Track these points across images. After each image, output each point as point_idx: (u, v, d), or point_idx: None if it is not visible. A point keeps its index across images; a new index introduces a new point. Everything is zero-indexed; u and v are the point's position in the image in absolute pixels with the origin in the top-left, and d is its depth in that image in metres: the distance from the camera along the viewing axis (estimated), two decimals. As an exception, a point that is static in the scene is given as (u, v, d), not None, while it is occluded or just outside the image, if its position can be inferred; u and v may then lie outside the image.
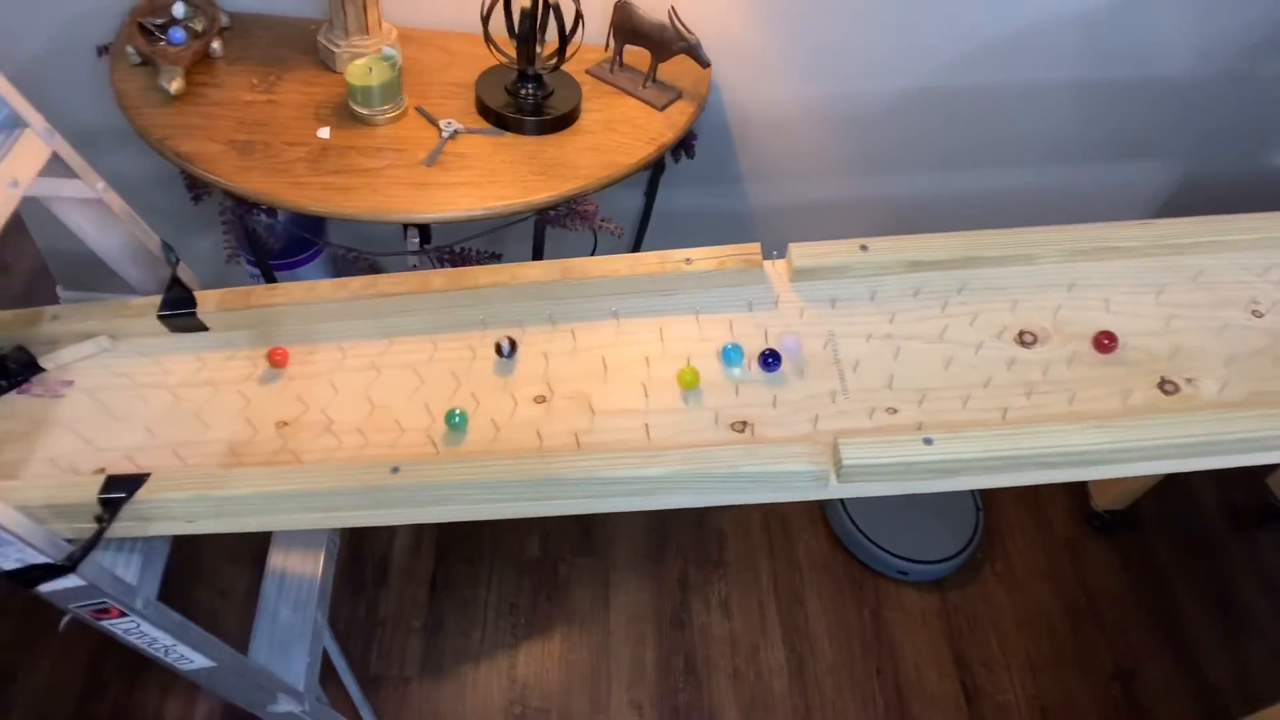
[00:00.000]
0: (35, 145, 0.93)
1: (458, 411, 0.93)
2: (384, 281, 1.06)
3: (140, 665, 1.46)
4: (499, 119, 1.21)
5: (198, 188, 1.20)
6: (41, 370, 1.10)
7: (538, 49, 1.18)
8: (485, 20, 1.14)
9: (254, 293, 1.06)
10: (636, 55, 1.28)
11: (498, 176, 1.14)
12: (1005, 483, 0.84)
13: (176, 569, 1.54)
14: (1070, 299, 0.98)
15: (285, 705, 1.13)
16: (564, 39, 1.15)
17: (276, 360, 0.99)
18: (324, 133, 1.16)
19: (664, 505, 0.86)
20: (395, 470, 0.87)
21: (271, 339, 1.06)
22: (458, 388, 0.99)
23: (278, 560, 1.28)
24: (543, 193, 1.13)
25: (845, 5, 1.32)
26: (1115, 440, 0.81)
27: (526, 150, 1.18)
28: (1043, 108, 1.44)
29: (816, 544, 1.66)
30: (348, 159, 1.13)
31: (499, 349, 0.96)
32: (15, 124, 0.91)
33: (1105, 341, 0.92)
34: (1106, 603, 1.65)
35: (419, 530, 1.63)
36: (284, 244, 1.46)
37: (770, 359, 0.93)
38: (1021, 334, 0.98)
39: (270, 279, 1.53)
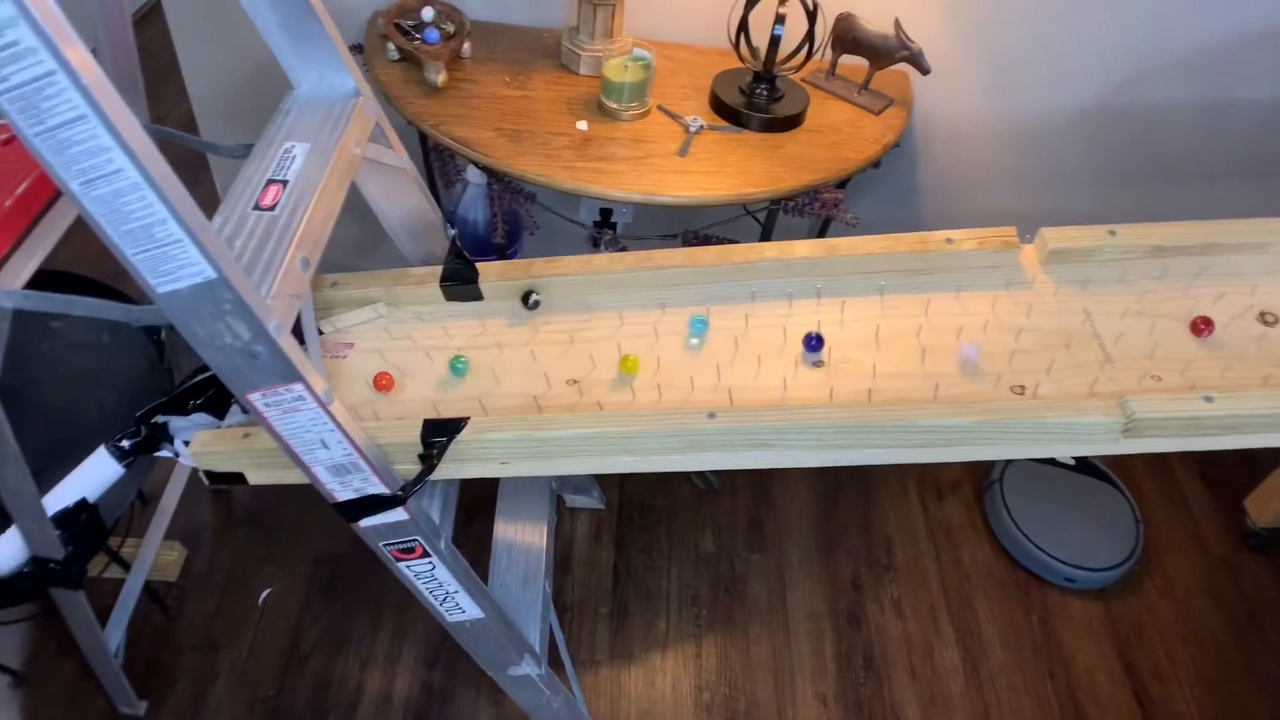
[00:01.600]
0: (366, 113, 1.04)
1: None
2: (657, 256, 1.16)
3: (340, 640, 1.53)
4: (734, 117, 1.32)
5: (451, 173, 1.31)
6: (319, 333, 1.20)
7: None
8: (742, 27, 1.26)
9: (534, 264, 1.17)
10: (848, 65, 1.40)
11: (742, 167, 1.25)
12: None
13: (376, 555, 1.62)
14: (1303, 283, 1.07)
15: (526, 668, 1.20)
16: (811, 44, 1.27)
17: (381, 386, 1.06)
18: (583, 125, 1.27)
19: (961, 457, 0.94)
20: (711, 416, 0.95)
21: (550, 308, 1.16)
22: (735, 354, 1.08)
23: (503, 532, 1.35)
24: (789, 182, 1.24)
25: (1036, 21, 1.43)
26: None
27: (763, 145, 1.29)
28: (1226, 125, 1.55)
29: (981, 551, 1.73)
30: (607, 149, 1.25)
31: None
32: (355, 93, 1.02)
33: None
34: (1270, 619, 1.70)
35: (598, 523, 1.70)
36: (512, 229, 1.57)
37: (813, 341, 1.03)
38: (1263, 314, 1.06)
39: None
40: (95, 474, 1.12)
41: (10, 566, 1.12)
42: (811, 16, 1.26)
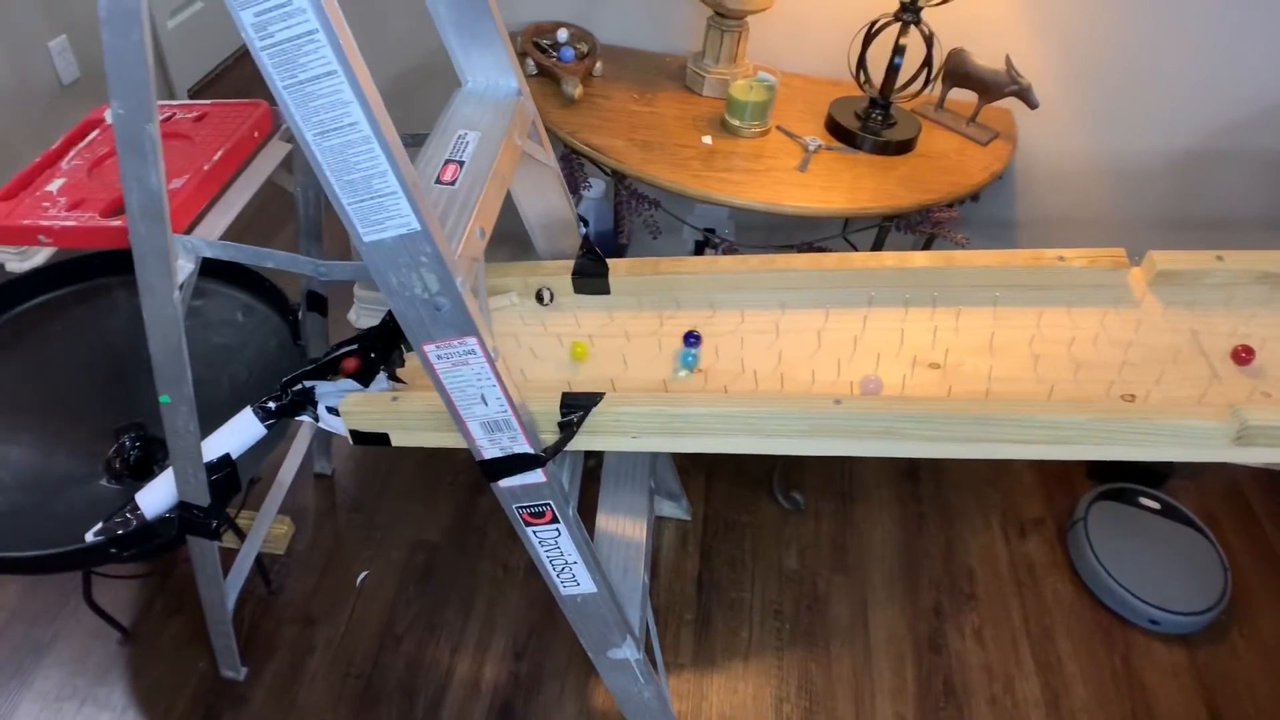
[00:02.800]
0: (526, 111, 1.15)
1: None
2: (779, 260, 1.24)
3: (432, 625, 1.60)
4: (849, 139, 1.41)
5: (578, 180, 1.42)
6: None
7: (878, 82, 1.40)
8: (861, 57, 1.37)
9: (661, 263, 1.26)
10: (955, 99, 1.49)
11: (858, 184, 1.34)
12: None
13: (469, 543, 1.71)
14: None
15: (627, 652, 1.26)
16: (929, 72, 1.36)
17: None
18: (708, 140, 1.38)
19: (1075, 455, 1.00)
20: (837, 402, 1.03)
21: (675, 303, 1.25)
22: (854, 352, 1.16)
23: (604, 525, 1.43)
24: (903, 200, 1.32)
25: (1143, 63, 1.52)
26: None
27: (877, 166, 1.38)
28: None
29: (1063, 587, 1.76)
30: (731, 161, 1.35)
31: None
32: (517, 93, 1.13)
33: None
34: (1361, 679, 1.69)
35: (684, 532, 1.77)
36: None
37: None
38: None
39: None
40: (240, 432, 1.22)
41: (159, 510, 1.21)
42: (929, 50, 1.36)
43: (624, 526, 1.44)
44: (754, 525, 1.80)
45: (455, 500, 1.80)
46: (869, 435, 1.04)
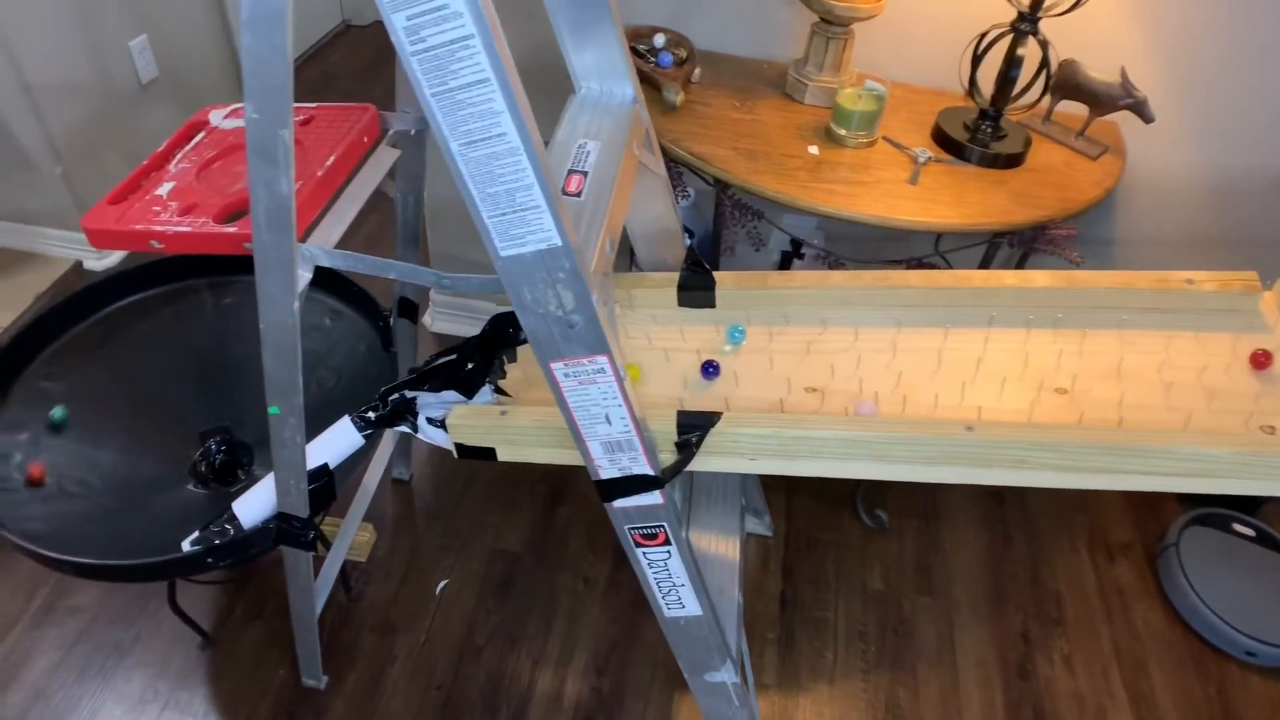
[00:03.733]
0: (641, 119, 1.10)
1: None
2: (894, 276, 1.19)
3: (512, 637, 1.56)
4: (957, 151, 1.35)
5: (676, 190, 1.37)
6: (559, 327, 1.25)
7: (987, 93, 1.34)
8: (974, 68, 1.31)
9: (770, 277, 1.21)
10: (1062, 111, 1.42)
11: (970, 199, 1.28)
12: None
13: (548, 554, 1.67)
14: None
15: (725, 675, 1.21)
16: (1048, 81, 1.30)
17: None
18: (814, 150, 1.33)
19: (1212, 489, 0.94)
20: (969, 429, 0.97)
21: (784, 319, 1.19)
22: (976, 374, 1.10)
23: (697, 542, 1.38)
24: (1018, 217, 1.26)
25: (1259, 78, 1.43)
26: None
27: (987, 180, 1.32)
28: None
29: (1153, 614, 1.68)
30: (839, 172, 1.29)
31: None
32: (633, 100, 1.08)
33: None
34: None
35: (765, 549, 1.71)
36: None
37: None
38: None
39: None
40: (338, 441, 1.19)
41: (257, 519, 1.18)
42: (1046, 61, 1.30)
43: (717, 545, 1.39)
44: (837, 543, 1.74)
45: (534, 510, 1.76)
46: (1000, 464, 0.98)
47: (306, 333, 1.53)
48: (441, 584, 1.63)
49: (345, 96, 3.10)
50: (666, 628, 1.17)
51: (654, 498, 1.00)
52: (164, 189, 1.04)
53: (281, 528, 1.17)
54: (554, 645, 1.56)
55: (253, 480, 1.36)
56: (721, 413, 1.02)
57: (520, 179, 0.76)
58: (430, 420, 1.17)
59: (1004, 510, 1.82)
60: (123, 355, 1.49)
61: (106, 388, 1.45)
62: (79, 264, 2.24)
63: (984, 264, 1.42)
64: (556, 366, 0.88)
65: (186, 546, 1.17)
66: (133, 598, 1.62)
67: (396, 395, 1.17)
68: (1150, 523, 1.83)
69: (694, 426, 1.01)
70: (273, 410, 1.02)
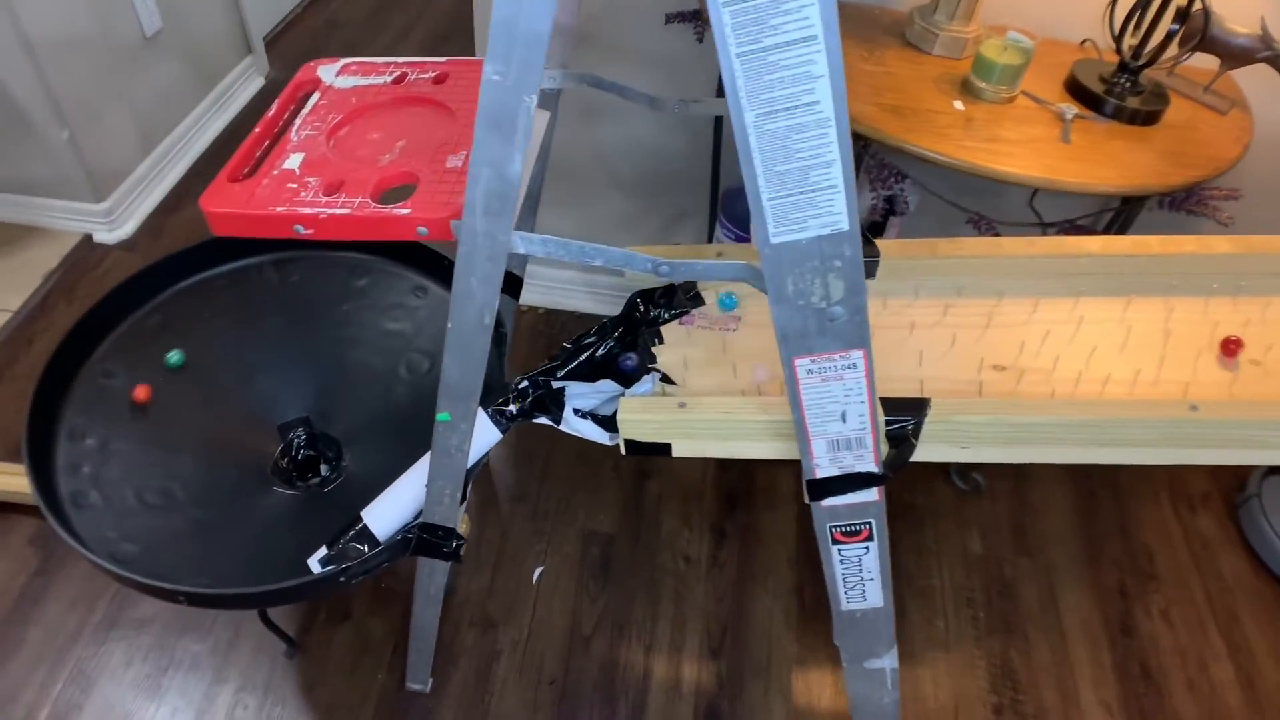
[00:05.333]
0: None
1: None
2: (1069, 243, 1.08)
3: (620, 623, 1.45)
4: (1095, 106, 1.24)
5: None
6: (703, 303, 1.12)
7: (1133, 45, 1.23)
8: (1126, 17, 1.19)
9: (939, 244, 1.09)
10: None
11: (1122, 158, 1.17)
12: None
13: (643, 534, 1.55)
14: None
15: (886, 661, 1.12)
16: (1206, 30, 1.19)
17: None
18: (959, 105, 1.20)
19: None
20: (1193, 408, 0.88)
21: (956, 290, 1.08)
22: (1166, 346, 1.01)
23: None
24: (1175, 178, 1.16)
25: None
26: None
27: (1132, 138, 1.21)
28: None
29: (1240, 565, 1.65)
30: (990, 130, 1.17)
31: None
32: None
33: None
34: None
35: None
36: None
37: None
38: None
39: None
40: (475, 440, 1.04)
41: (391, 530, 1.04)
42: (1185, 11, 1.19)
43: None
44: (931, 508, 1.65)
45: (620, 487, 1.64)
46: (1227, 444, 0.90)
47: (386, 311, 1.37)
48: (538, 571, 1.51)
49: (349, 45, 2.84)
50: (839, 619, 1.07)
51: (870, 495, 0.89)
52: (293, 162, 0.86)
53: (422, 538, 1.03)
54: (664, 629, 1.45)
55: (342, 476, 1.21)
56: (929, 399, 0.91)
57: (821, 155, 0.62)
58: (578, 411, 1.04)
59: (1087, 465, 1.76)
60: (185, 344, 1.31)
61: (171, 381, 1.28)
62: (88, 237, 2.00)
63: (1122, 229, 1.32)
64: (802, 361, 0.76)
65: (316, 566, 1.02)
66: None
67: (535, 385, 1.03)
68: (1224, 473, 1.79)
69: (901, 414, 0.89)
70: (442, 417, 0.87)
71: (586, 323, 1.86)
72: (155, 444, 1.23)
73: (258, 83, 2.53)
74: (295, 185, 0.83)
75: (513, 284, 1.32)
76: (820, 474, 0.86)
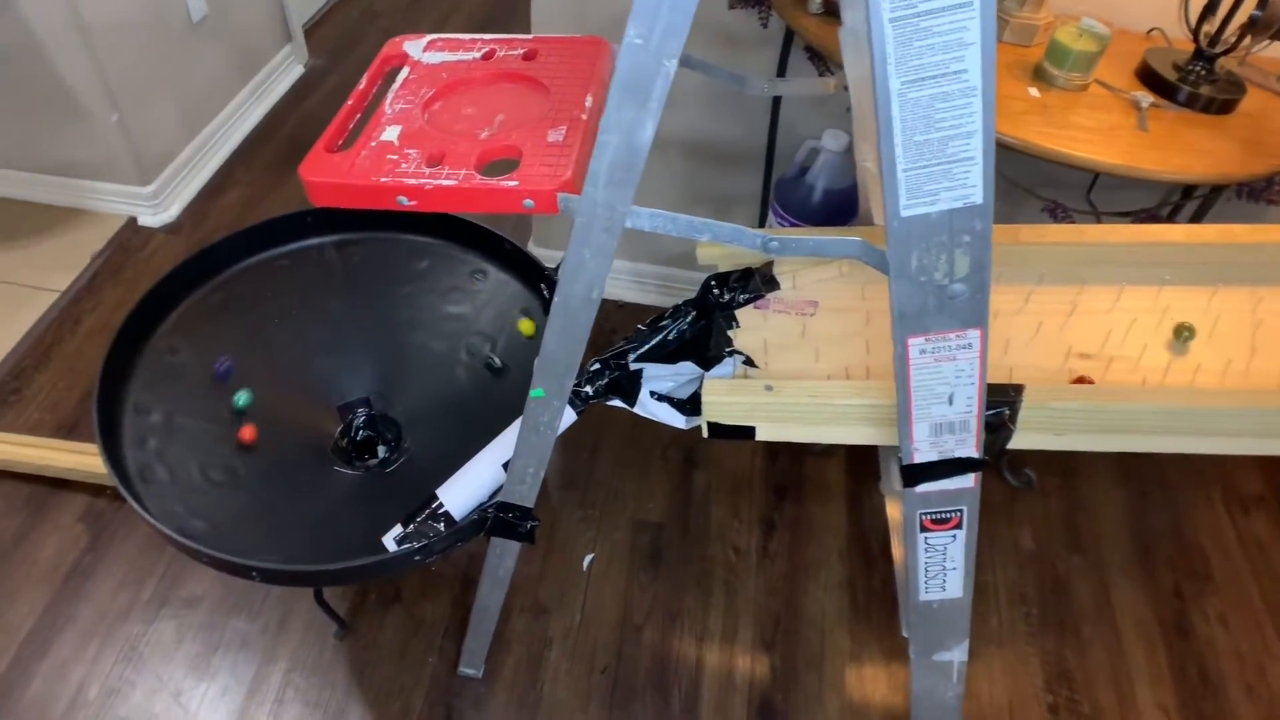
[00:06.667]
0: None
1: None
2: (1150, 231, 1.07)
3: (672, 613, 1.44)
4: (1168, 94, 1.23)
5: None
6: (777, 287, 1.11)
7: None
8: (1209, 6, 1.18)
9: (1022, 231, 1.08)
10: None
11: (1202, 147, 1.16)
12: None
13: (693, 524, 1.54)
14: None
15: (956, 654, 1.11)
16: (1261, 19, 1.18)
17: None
18: (1034, 91, 1.19)
19: None
20: (1304, 398, 0.86)
21: (1037, 277, 1.07)
22: (1254, 335, 1.00)
23: (894, 512, 1.26)
24: (1256, 167, 1.14)
25: None
26: None
27: (1209, 127, 1.20)
28: None
29: (1293, 567, 1.63)
30: (1065, 117, 1.16)
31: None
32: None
33: None
34: None
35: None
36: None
37: None
38: None
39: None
40: (550, 420, 1.03)
41: (467, 509, 1.03)
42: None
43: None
44: (984, 503, 1.63)
45: (669, 476, 1.62)
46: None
47: (446, 294, 1.36)
48: (588, 558, 1.50)
49: (388, 33, 2.78)
50: (915, 609, 1.05)
51: (966, 481, 0.88)
52: (390, 134, 0.85)
53: (499, 518, 1.02)
54: (715, 620, 1.44)
55: (403, 458, 1.20)
56: (1022, 385, 0.90)
57: (963, 125, 0.61)
58: (654, 394, 1.03)
59: (1138, 464, 1.74)
60: (247, 323, 1.30)
61: (233, 359, 1.27)
62: (133, 220, 1.99)
63: (1196, 217, 1.31)
64: (915, 341, 0.74)
65: (392, 545, 1.01)
66: (250, 586, 1.45)
67: (608, 366, 1.02)
68: (1276, 474, 1.77)
69: (1000, 399, 0.88)
70: (536, 393, 0.86)
71: (631, 312, 1.86)
72: (218, 421, 1.22)
73: (297, 71, 2.52)
74: (396, 157, 0.82)
75: (578, 267, 1.30)
76: (919, 458, 0.85)
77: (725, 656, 1.39)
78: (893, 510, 1.26)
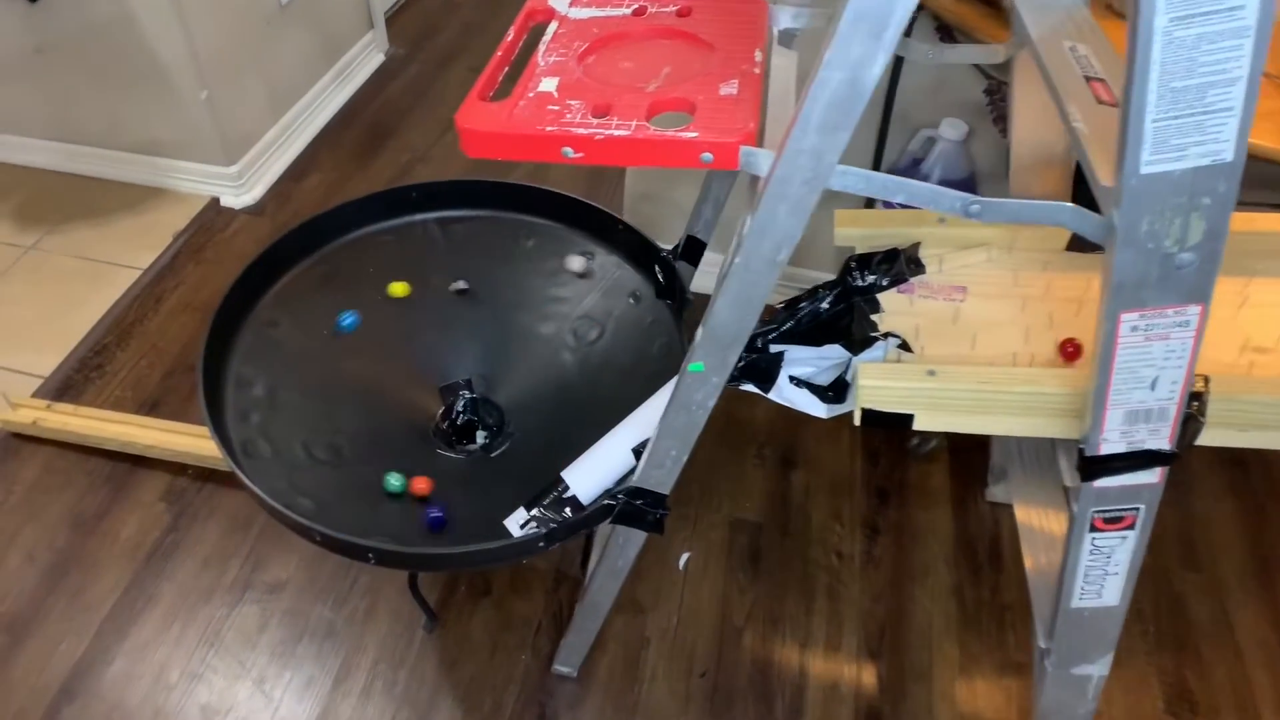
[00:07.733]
0: (1092, 19, 0.90)
1: None
2: (1330, 221, 1.00)
3: (772, 617, 1.38)
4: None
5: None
6: (923, 271, 1.06)
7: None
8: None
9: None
10: None
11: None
12: None
13: (792, 525, 1.49)
14: None
15: (1098, 668, 1.04)
16: None
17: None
18: None
19: None
20: None
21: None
22: None
23: (1026, 519, 1.20)
24: None
25: None
26: None
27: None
28: None
29: None
30: None
31: None
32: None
33: None
34: None
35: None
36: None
37: None
38: None
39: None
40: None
41: (595, 494, 0.98)
42: None
43: (1048, 521, 1.22)
44: (1093, 515, 1.57)
45: (765, 475, 1.57)
46: None
47: (550, 276, 1.32)
48: (684, 557, 1.44)
49: (467, 25, 2.81)
50: (1062, 616, 0.99)
51: (1151, 476, 0.82)
52: (548, 85, 0.81)
53: (629, 505, 0.97)
54: (819, 626, 1.38)
55: (507, 443, 1.16)
56: (1206, 375, 0.84)
57: (1228, 71, 0.55)
58: (793, 379, 0.98)
59: (1249, 478, 1.67)
60: (350, 298, 1.27)
61: (332, 333, 1.24)
62: (215, 200, 1.98)
63: None
64: (1129, 317, 0.69)
65: (516, 529, 0.97)
66: (336, 572, 1.41)
67: (746, 348, 0.97)
68: (1401, 491, 1.69)
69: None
70: (695, 367, 0.81)
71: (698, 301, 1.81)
72: (320, 397, 1.18)
73: (378, 59, 2.51)
74: (557, 107, 0.78)
75: (694, 249, 1.26)
76: (1105, 449, 0.79)
77: (830, 664, 1.34)
78: (1024, 515, 1.20)
